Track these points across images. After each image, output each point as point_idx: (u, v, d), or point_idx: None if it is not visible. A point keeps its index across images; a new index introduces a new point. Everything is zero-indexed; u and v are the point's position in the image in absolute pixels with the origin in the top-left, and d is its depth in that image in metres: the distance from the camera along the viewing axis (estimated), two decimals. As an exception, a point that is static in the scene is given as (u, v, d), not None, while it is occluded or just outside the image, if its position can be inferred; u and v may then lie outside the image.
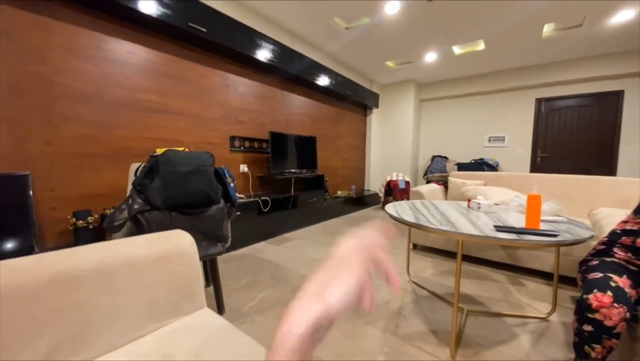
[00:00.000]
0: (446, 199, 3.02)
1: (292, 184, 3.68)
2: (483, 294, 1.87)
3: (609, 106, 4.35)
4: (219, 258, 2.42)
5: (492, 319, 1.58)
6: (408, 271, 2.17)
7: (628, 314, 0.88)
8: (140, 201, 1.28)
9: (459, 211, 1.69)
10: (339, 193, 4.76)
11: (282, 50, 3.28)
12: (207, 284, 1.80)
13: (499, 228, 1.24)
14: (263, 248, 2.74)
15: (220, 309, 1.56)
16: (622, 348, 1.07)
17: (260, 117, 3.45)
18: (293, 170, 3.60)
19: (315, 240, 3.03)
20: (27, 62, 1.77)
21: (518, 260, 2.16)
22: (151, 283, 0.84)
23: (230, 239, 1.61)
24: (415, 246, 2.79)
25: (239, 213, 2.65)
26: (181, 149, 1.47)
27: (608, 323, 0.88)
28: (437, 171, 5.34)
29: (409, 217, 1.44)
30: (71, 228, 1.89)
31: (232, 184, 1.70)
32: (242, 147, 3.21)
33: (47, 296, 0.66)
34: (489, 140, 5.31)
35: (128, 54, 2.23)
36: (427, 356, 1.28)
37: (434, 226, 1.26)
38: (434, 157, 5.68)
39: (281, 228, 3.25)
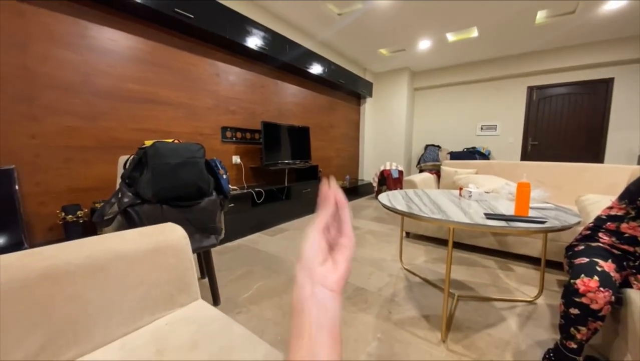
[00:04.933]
0: (439, 188, 3.05)
1: (286, 175, 3.67)
2: (473, 280, 1.91)
3: (599, 93, 4.40)
4: (214, 250, 2.42)
5: (481, 303, 1.63)
6: (401, 259, 2.21)
7: (613, 297, 0.91)
8: (130, 194, 1.26)
9: (450, 200, 1.71)
10: (333, 182, 4.76)
11: (273, 38, 3.20)
12: (202, 276, 1.80)
13: (489, 216, 1.26)
14: (258, 239, 2.74)
15: (215, 300, 1.57)
16: (605, 329, 1.11)
17: (252, 107, 3.39)
18: (286, 161, 3.57)
19: (309, 230, 3.05)
20: (5, 51, 1.69)
21: (507, 246, 2.22)
22: (144, 276, 0.84)
23: (223, 231, 1.60)
24: (408, 235, 2.83)
25: (232, 205, 2.64)
26: (170, 140, 1.45)
27: (594, 306, 0.91)
28: (430, 160, 5.37)
29: (401, 206, 1.46)
30: (60, 222, 1.86)
31: (224, 176, 1.68)
32: (234, 138, 3.16)
33: (37, 292, 0.65)
34: (481, 128, 5.35)
35: (112, 41, 2.15)
36: (418, 341, 1.31)
37: (426, 215, 1.28)
38: (427, 146, 5.70)
39: (276, 219, 3.26)
